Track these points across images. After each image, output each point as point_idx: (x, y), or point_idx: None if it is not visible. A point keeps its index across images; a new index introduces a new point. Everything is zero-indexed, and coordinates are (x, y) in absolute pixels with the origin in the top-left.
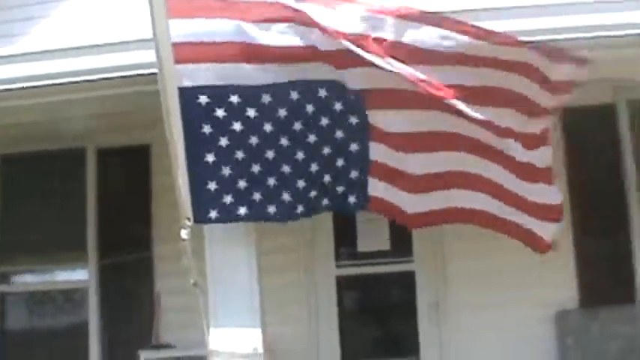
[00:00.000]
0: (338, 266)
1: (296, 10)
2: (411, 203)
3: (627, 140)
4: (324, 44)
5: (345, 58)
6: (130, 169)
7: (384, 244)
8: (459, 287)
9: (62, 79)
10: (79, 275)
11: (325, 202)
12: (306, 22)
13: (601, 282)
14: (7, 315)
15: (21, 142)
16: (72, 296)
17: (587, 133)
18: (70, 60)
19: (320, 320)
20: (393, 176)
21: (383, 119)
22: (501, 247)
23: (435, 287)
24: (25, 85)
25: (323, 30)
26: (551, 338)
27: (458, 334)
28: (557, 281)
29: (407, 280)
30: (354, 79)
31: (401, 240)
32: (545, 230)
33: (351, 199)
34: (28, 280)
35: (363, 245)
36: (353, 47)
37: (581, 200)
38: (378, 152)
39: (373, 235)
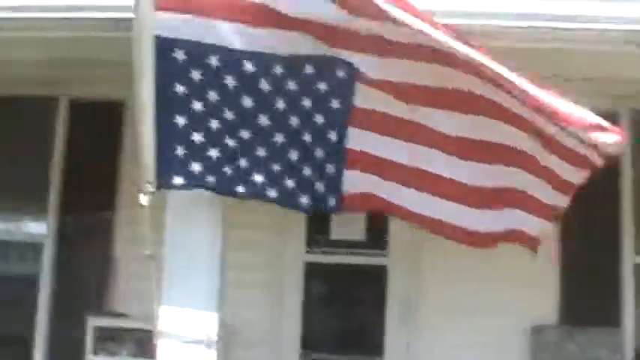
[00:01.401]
0: (308, 252)
1: None
2: (393, 192)
3: None
4: (328, 17)
5: (345, 36)
6: (100, 125)
7: (359, 234)
8: (433, 287)
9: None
10: (37, 228)
11: (305, 200)
12: None
13: (583, 300)
14: None
15: None
16: (27, 249)
17: None
18: None
19: (283, 307)
20: (375, 165)
21: (373, 101)
22: (482, 250)
23: (407, 284)
24: None
25: None
26: (525, 352)
27: (426, 336)
28: (538, 293)
29: (379, 274)
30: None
31: (376, 231)
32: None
33: (331, 201)
34: None
35: (336, 233)
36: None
37: None
38: (359, 139)
39: (348, 224)
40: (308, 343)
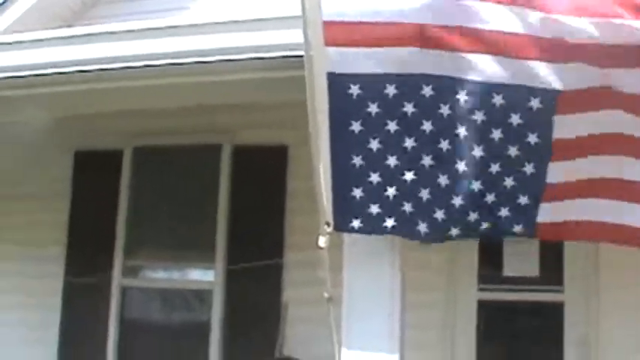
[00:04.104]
0: (480, 289)
1: None
2: (578, 211)
3: None
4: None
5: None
6: (265, 170)
7: (533, 270)
8: (614, 324)
9: (190, 59)
10: (205, 276)
11: (484, 225)
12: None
13: None
14: (128, 309)
15: (155, 134)
16: (195, 297)
17: None
18: (200, 38)
19: (456, 347)
20: (566, 191)
21: (570, 126)
22: None
23: (584, 321)
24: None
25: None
26: None
27: None
28: None
29: (554, 311)
30: (551, 76)
31: (551, 267)
32: None
33: (517, 228)
34: (152, 276)
35: (509, 269)
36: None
37: None
38: (557, 173)
39: (521, 260)
40: None
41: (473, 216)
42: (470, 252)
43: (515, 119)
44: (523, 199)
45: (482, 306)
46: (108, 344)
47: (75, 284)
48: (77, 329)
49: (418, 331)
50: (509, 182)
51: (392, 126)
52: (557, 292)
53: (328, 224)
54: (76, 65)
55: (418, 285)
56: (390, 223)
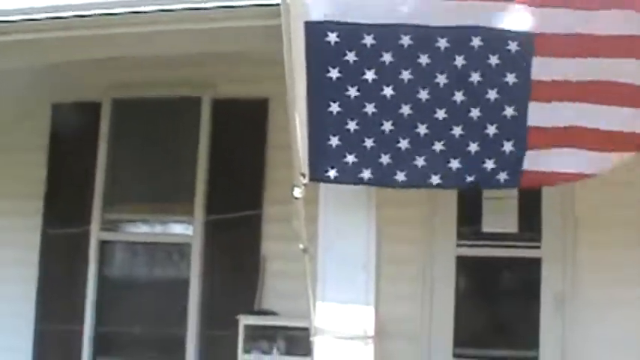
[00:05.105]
0: (459, 245)
1: None
2: (560, 162)
3: None
4: None
5: None
6: (245, 123)
7: (512, 226)
8: (589, 280)
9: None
10: (184, 229)
11: (469, 178)
12: None
13: None
14: (107, 264)
15: (134, 87)
16: (175, 250)
17: None
18: None
19: (434, 301)
20: (551, 137)
21: (550, 68)
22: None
23: (562, 277)
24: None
25: None
26: None
27: (583, 331)
28: None
29: (532, 267)
30: (524, 20)
31: (529, 223)
32: None
33: (501, 176)
34: (131, 229)
35: (488, 225)
36: None
37: None
38: (539, 114)
39: (500, 215)
40: (460, 336)
41: (454, 164)
42: (449, 208)
43: (493, 60)
44: (507, 146)
45: (461, 261)
46: (86, 297)
47: (53, 237)
48: (55, 282)
49: (396, 285)
50: (491, 130)
51: (370, 75)
52: (535, 248)
53: (304, 175)
54: (56, 11)
55: (396, 240)
56: (366, 174)
